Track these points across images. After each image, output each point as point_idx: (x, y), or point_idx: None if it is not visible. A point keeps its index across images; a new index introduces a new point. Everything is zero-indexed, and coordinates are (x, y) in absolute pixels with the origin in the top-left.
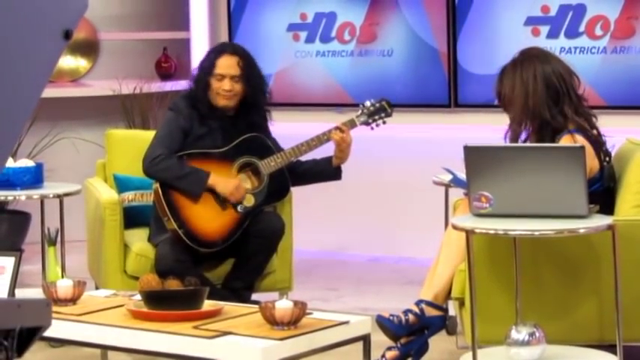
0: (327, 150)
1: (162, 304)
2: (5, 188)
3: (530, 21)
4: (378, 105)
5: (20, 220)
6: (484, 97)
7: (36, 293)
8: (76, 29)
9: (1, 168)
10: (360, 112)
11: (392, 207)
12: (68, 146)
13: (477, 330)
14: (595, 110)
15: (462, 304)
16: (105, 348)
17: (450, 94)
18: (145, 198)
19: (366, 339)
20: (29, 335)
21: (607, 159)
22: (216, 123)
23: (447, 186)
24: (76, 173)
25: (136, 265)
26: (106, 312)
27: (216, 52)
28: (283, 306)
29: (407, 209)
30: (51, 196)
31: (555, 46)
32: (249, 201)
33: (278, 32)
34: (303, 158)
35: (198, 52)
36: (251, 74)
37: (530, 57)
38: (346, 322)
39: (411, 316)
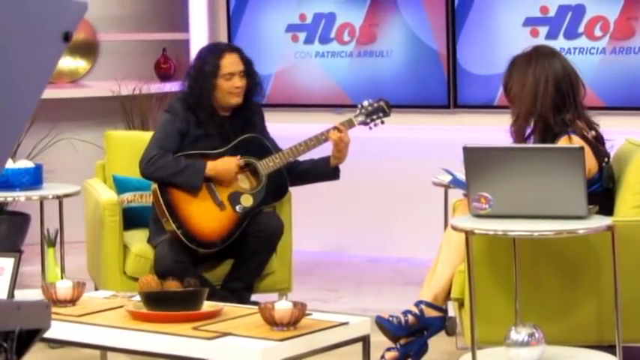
0: (326, 149)
1: (162, 305)
2: (5, 189)
3: (529, 22)
4: (376, 105)
5: (20, 221)
6: (484, 98)
7: (35, 294)
8: (76, 30)
9: (1, 169)
10: (358, 112)
11: (391, 208)
12: (67, 147)
13: (476, 331)
14: (594, 111)
15: (461, 304)
16: (104, 349)
17: (449, 94)
18: (144, 199)
19: (365, 340)
20: (29, 337)
21: (606, 160)
22: (213, 124)
23: (447, 187)
24: (76, 174)
25: (136, 266)
26: (105, 313)
27: (215, 53)
28: (283, 307)
29: (406, 210)
30: (50, 197)
31: (554, 47)
32: (248, 201)
33: (277, 33)
34: (301, 158)
35: None
36: (250, 68)
37: (544, 55)
38: (346, 323)
39: (410, 317)
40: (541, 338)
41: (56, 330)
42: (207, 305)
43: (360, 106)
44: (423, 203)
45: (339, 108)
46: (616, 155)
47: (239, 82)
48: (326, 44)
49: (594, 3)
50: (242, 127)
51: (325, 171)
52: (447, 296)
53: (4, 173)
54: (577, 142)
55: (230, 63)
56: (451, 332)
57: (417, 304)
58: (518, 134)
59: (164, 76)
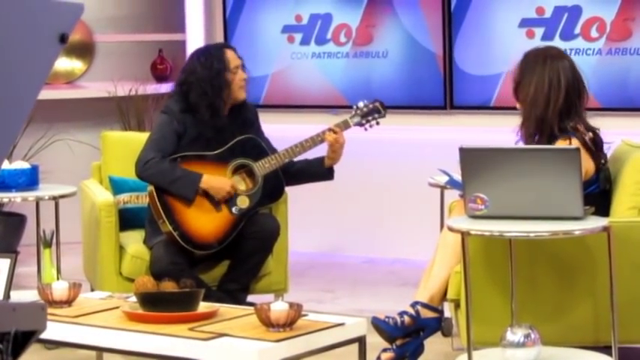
0: (322, 150)
1: (158, 306)
2: (1, 190)
3: (525, 23)
4: (371, 106)
5: (15, 222)
6: (480, 99)
7: (31, 295)
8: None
9: None
10: (353, 113)
11: (387, 208)
12: (64, 148)
13: (472, 331)
14: (591, 112)
15: (457, 305)
16: (100, 350)
17: (445, 95)
18: (140, 200)
19: (361, 341)
20: (24, 339)
21: (603, 161)
22: (211, 125)
23: (443, 188)
24: (72, 175)
25: (132, 267)
26: (101, 314)
27: (216, 50)
28: (279, 308)
29: (402, 211)
30: (46, 197)
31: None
32: (244, 202)
33: (273, 34)
34: (296, 159)
35: None
36: (244, 63)
37: (559, 57)
38: (342, 324)
39: (406, 318)
40: (537, 339)
41: (52, 331)
42: (203, 306)
43: (355, 107)
44: (419, 204)
45: (336, 109)
46: (612, 156)
47: (244, 74)
48: (322, 45)
49: (591, 4)
50: (240, 126)
51: (320, 171)
52: (443, 297)
53: (0, 174)
54: (575, 143)
55: (233, 57)
56: (447, 333)
57: (413, 304)
58: (526, 136)
59: (160, 77)
